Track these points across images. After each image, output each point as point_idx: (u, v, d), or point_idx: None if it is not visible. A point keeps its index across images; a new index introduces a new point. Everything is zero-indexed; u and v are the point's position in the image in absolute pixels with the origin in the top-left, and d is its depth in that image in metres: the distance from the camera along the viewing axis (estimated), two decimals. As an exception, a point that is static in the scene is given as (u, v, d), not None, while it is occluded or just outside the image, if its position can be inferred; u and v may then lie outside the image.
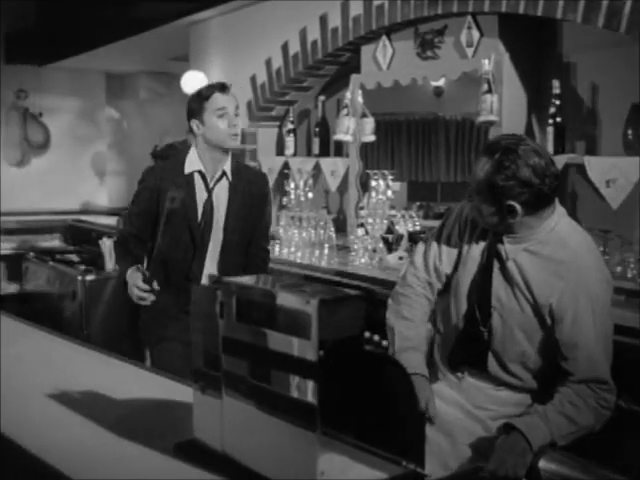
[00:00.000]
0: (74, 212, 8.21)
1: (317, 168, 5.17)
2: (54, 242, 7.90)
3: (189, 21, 6.19)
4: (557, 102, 3.82)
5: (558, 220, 2.37)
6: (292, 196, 4.82)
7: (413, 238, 4.13)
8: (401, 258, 4.04)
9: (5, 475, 1.94)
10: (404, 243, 4.17)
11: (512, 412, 2.40)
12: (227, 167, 3.32)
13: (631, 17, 3.25)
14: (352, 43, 4.84)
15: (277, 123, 5.85)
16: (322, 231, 4.63)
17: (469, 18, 4.09)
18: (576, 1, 3.45)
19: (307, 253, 4.61)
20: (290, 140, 5.48)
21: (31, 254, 6.98)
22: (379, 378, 1.57)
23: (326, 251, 4.55)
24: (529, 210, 2.31)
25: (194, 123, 3.27)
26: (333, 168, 5.11)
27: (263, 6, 5.57)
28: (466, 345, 2.50)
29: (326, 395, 1.49)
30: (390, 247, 4.18)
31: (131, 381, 2.45)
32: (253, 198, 3.38)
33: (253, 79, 5.72)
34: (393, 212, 4.33)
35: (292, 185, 4.85)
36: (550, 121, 3.83)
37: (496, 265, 2.41)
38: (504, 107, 3.97)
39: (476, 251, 2.47)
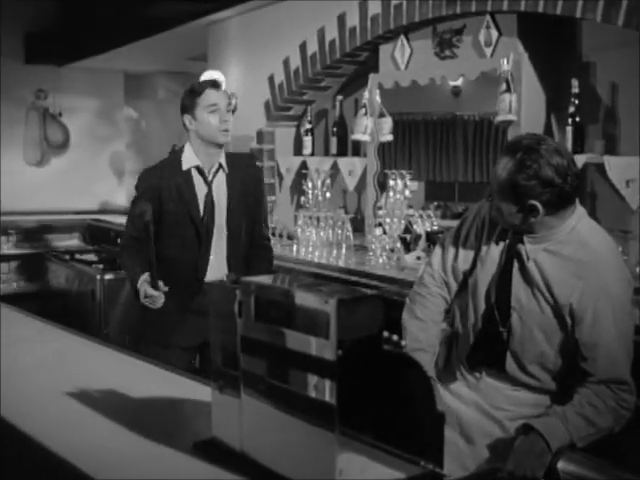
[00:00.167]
0: (93, 212, 8.24)
1: (335, 168, 5.17)
2: (73, 242, 7.94)
3: (207, 21, 6.20)
4: (576, 101, 3.80)
5: (578, 220, 2.36)
6: (310, 196, 4.83)
7: (431, 238, 4.13)
8: (419, 258, 4.04)
9: (26, 473, 1.95)
10: (422, 243, 4.16)
11: (530, 413, 2.39)
12: (222, 160, 3.40)
13: (651, 16, 3.24)
14: (370, 43, 4.84)
15: (295, 123, 5.85)
16: (340, 231, 4.63)
17: (487, 17, 4.08)
18: (596, 0, 3.43)
19: (324, 253, 4.61)
20: (308, 140, 5.48)
21: (50, 253, 7.02)
22: (397, 378, 1.57)
23: (343, 251, 4.55)
24: (550, 210, 2.29)
25: (187, 118, 3.35)
26: (351, 168, 5.11)
27: (281, 6, 5.57)
28: (484, 345, 2.49)
29: (344, 395, 1.49)
30: (408, 247, 4.17)
31: (150, 380, 2.45)
32: (250, 185, 3.45)
33: (271, 79, 5.73)
34: (411, 212, 4.33)
35: (310, 185, 4.85)
36: (569, 121, 3.82)
37: (515, 265, 2.40)
38: (523, 107, 3.95)
39: (495, 251, 2.46)
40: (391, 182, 4.30)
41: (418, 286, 2.68)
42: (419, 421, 1.57)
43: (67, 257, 6.76)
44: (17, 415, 2.04)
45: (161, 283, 3.10)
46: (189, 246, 3.34)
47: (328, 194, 4.83)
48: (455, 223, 2.70)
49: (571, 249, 2.33)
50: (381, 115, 4.76)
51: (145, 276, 3.14)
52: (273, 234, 5.13)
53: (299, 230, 4.82)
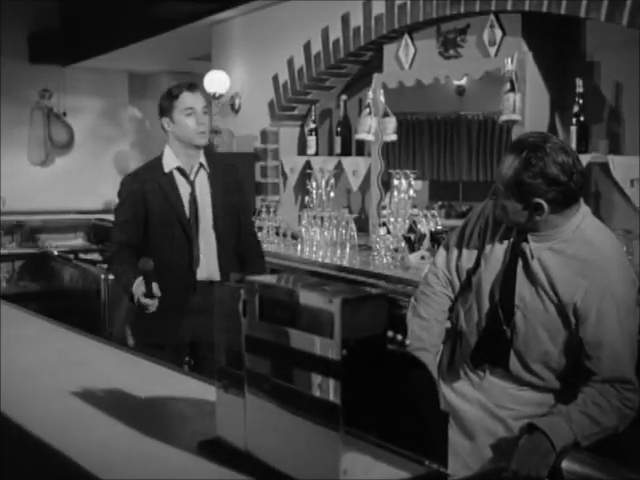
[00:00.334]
0: (97, 211, 8.26)
1: (339, 167, 5.17)
2: (77, 241, 7.96)
3: (211, 21, 6.21)
4: (580, 101, 3.80)
5: (583, 219, 2.36)
6: (314, 195, 4.83)
7: (435, 237, 4.13)
8: (423, 257, 4.04)
9: (31, 472, 1.95)
10: (426, 242, 4.16)
11: (534, 412, 2.39)
12: (202, 159, 3.44)
13: (656, 15, 3.23)
14: (374, 42, 4.84)
15: (299, 122, 5.86)
16: (344, 230, 4.63)
17: (492, 17, 4.08)
18: (600, 0, 3.43)
19: (329, 252, 4.61)
20: (312, 139, 5.49)
21: (55, 253, 7.04)
22: (402, 377, 1.57)
23: (348, 250, 4.55)
24: (556, 208, 2.29)
25: (165, 121, 3.40)
26: (355, 167, 5.11)
27: (285, 6, 5.58)
28: (488, 344, 2.49)
29: (349, 394, 1.49)
30: (412, 246, 4.18)
31: (154, 379, 2.46)
32: (232, 184, 3.50)
33: (275, 78, 5.73)
34: (415, 211, 4.33)
35: (314, 184, 4.86)
36: (573, 120, 3.82)
37: (520, 264, 2.40)
38: (527, 106, 3.96)
39: (499, 250, 2.46)
40: (395, 182, 4.30)
41: (423, 285, 2.69)
42: (423, 420, 1.57)
43: (71, 257, 6.78)
44: (21, 414, 2.04)
45: (156, 288, 3.13)
46: (178, 245, 3.38)
47: (332, 194, 4.83)
48: (459, 222, 2.70)
49: (575, 248, 2.33)
50: (385, 115, 4.76)
51: (139, 281, 3.17)
52: (277, 234, 5.14)
53: (303, 230, 4.83)
